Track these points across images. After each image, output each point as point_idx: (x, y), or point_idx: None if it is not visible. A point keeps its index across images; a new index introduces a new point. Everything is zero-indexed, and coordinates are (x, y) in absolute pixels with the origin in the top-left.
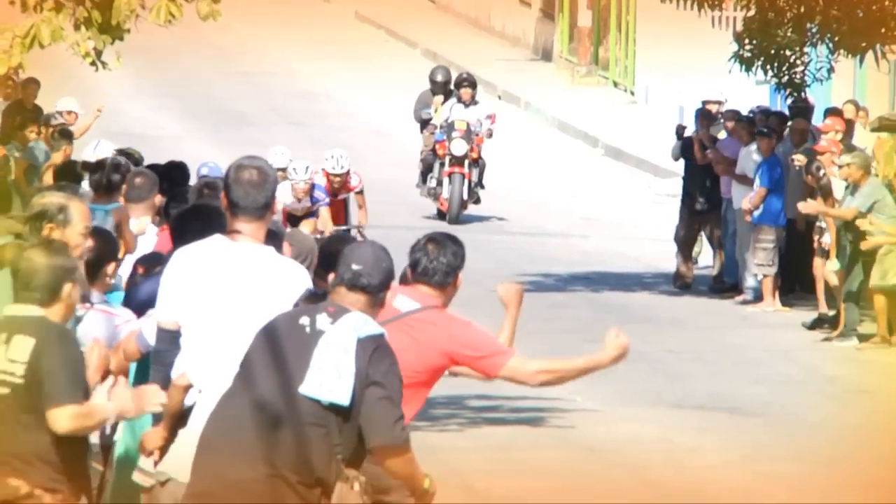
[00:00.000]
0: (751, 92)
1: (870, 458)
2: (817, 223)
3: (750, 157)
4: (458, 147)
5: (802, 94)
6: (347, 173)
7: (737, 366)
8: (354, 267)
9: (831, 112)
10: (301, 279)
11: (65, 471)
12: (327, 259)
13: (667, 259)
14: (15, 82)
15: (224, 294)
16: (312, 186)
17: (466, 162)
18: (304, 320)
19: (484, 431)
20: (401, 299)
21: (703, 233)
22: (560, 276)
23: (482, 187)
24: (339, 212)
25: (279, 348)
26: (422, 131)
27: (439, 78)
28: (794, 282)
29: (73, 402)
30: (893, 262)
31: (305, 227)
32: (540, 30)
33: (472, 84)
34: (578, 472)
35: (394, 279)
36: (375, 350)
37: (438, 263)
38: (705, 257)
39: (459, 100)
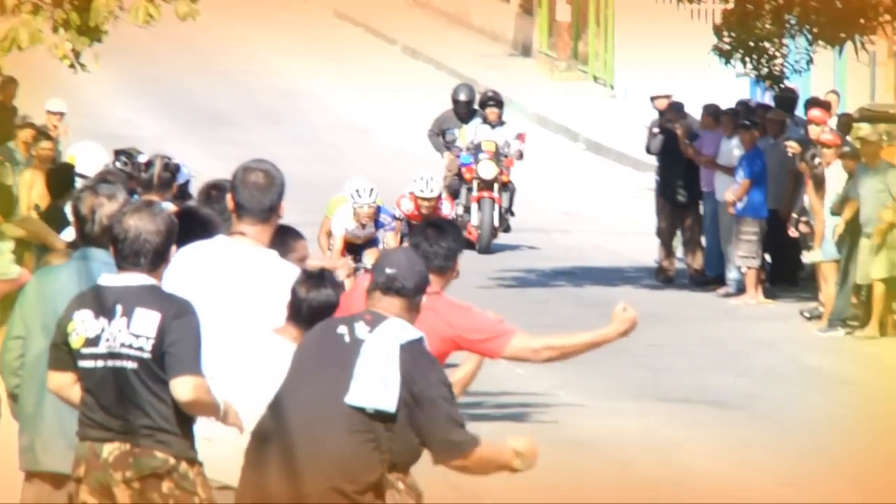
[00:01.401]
0: (731, 85)
1: (854, 449)
2: (793, 213)
3: (732, 149)
4: (487, 170)
5: (782, 85)
6: (439, 198)
7: (720, 358)
8: (388, 271)
9: (817, 104)
10: None
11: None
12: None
13: (649, 253)
14: None
15: (220, 294)
16: (378, 210)
17: (496, 186)
18: (342, 329)
19: (468, 427)
20: None
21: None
22: (542, 272)
23: (512, 214)
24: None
25: (319, 359)
26: (442, 154)
27: (462, 97)
28: (778, 273)
29: (196, 372)
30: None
31: (368, 257)
32: (519, 25)
33: (499, 103)
34: (563, 467)
35: (428, 284)
36: (418, 355)
37: (439, 248)
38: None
39: (485, 120)
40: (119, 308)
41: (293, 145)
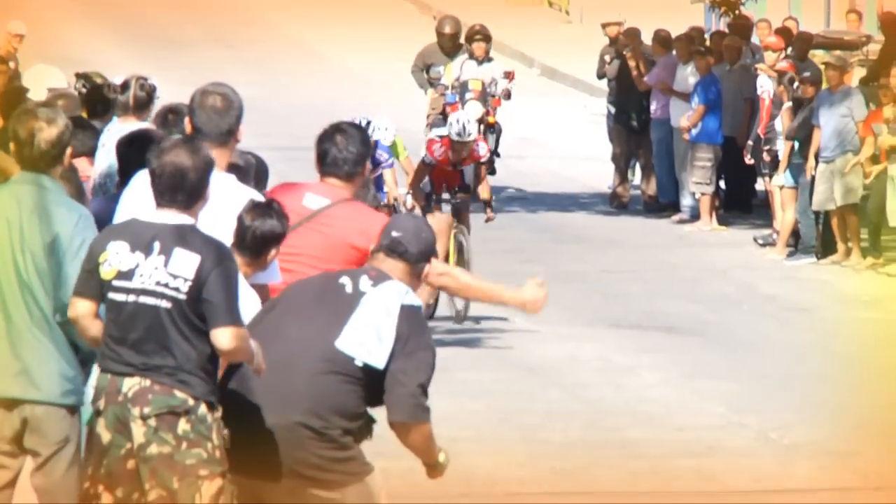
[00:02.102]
0: (686, 11)
1: (806, 375)
2: (752, 140)
3: (687, 76)
4: (474, 110)
5: (737, 11)
6: (475, 141)
7: (674, 285)
8: (394, 234)
9: (777, 31)
10: None
11: (216, 389)
12: None
13: (603, 179)
14: None
15: None
16: (375, 145)
17: (482, 127)
18: (345, 280)
19: None
20: (310, 197)
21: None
22: (496, 197)
23: (498, 155)
24: (454, 177)
25: (315, 302)
26: (425, 91)
27: (447, 29)
28: (732, 200)
29: (238, 322)
30: (858, 179)
31: None
32: None
33: (487, 37)
34: (517, 393)
35: (434, 255)
36: (416, 320)
37: (348, 153)
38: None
39: (471, 56)
40: (157, 245)
41: (249, 70)
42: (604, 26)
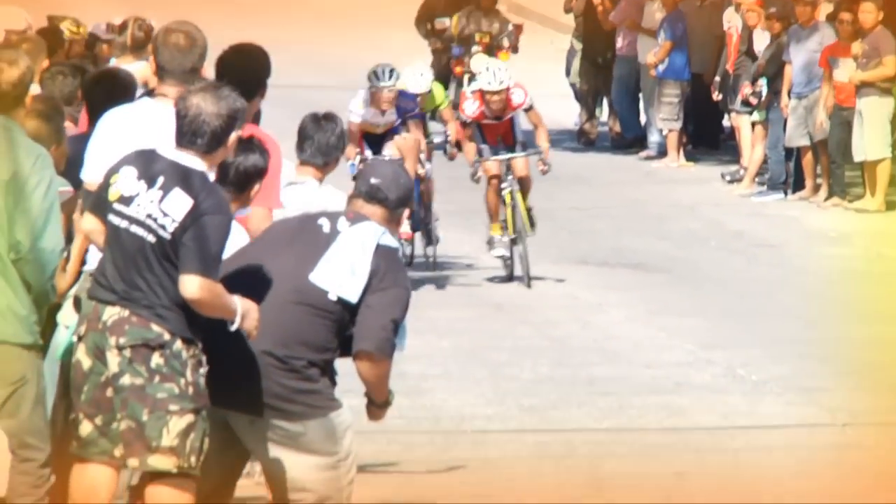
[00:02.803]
0: None
1: (774, 311)
2: (719, 75)
3: (653, 12)
4: (480, 63)
5: None
6: (508, 89)
7: (641, 222)
8: (373, 180)
9: None
10: None
11: (196, 326)
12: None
13: (570, 116)
14: None
15: None
16: (399, 94)
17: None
18: (323, 220)
19: None
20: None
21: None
22: None
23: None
24: (507, 134)
25: (292, 239)
26: (429, 43)
27: None
28: (699, 137)
29: (208, 274)
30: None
31: (389, 148)
32: None
33: None
34: (485, 330)
35: (412, 200)
36: (392, 260)
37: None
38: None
39: (478, 6)
40: (161, 180)
41: (213, 7)
42: None
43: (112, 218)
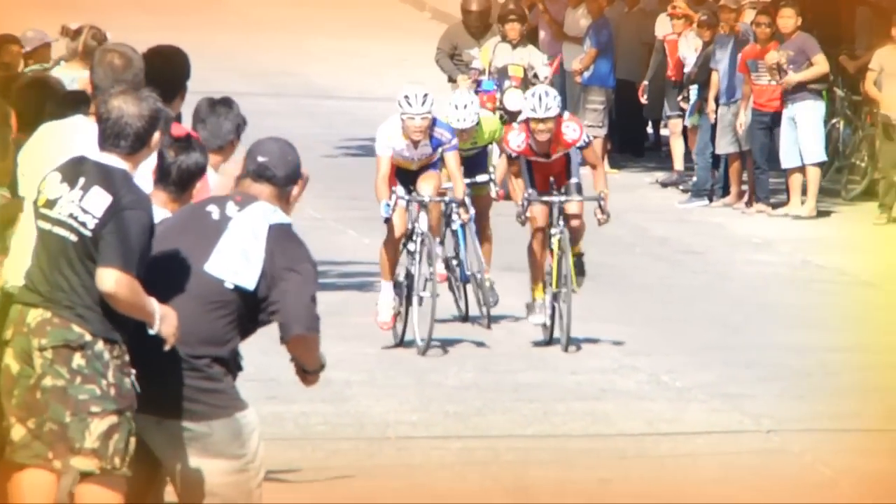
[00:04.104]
0: None
1: (698, 318)
2: (647, 80)
3: (577, 20)
4: (514, 100)
5: None
6: (559, 118)
7: None
8: (260, 159)
9: None
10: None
11: (120, 327)
12: None
13: None
14: None
15: None
16: (433, 122)
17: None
18: (211, 208)
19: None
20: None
21: None
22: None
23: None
24: (560, 174)
25: (184, 231)
26: (454, 79)
27: (474, 7)
28: (624, 143)
29: (126, 268)
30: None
31: (427, 183)
32: None
33: (522, 17)
34: (410, 336)
35: (300, 175)
36: (287, 237)
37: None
38: None
39: (504, 38)
40: (81, 180)
41: (140, 14)
42: None
43: (39, 222)
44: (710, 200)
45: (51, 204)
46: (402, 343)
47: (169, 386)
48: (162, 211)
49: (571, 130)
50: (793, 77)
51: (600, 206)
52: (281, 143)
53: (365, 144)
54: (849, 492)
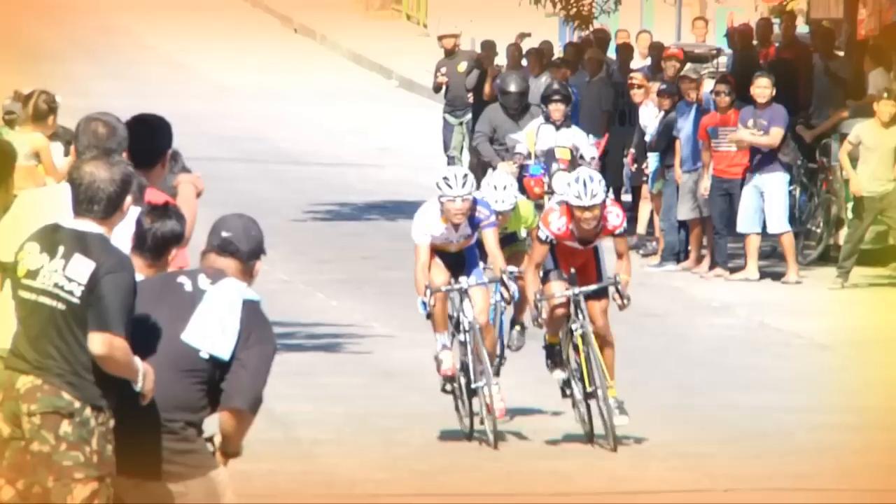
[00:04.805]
0: (541, 25)
1: (658, 378)
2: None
3: (540, 88)
4: (563, 183)
5: (591, 26)
6: (604, 205)
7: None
8: (224, 234)
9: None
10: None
11: (107, 393)
12: None
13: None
14: None
15: None
16: (473, 203)
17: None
18: (183, 279)
19: (282, 357)
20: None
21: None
22: (356, 205)
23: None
24: (586, 266)
25: (157, 302)
26: (493, 165)
27: (513, 87)
28: None
29: (116, 331)
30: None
31: (477, 298)
32: None
33: (567, 98)
34: (376, 396)
35: (263, 251)
36: (257, 314)
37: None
38: None
39: (548, 119)
40: (61, 249)
41: (113, 80)
42: (440, 38)
43: (21, 293)
44: (678, 263)
45: (33, 274)
46: (471, 437)
47: (146, 448)
48: (139, 276)
49: (614, 216)
50: (743, 133)
51: (618, 291)
52: (244, 219)
53: (332, 209)
54: None
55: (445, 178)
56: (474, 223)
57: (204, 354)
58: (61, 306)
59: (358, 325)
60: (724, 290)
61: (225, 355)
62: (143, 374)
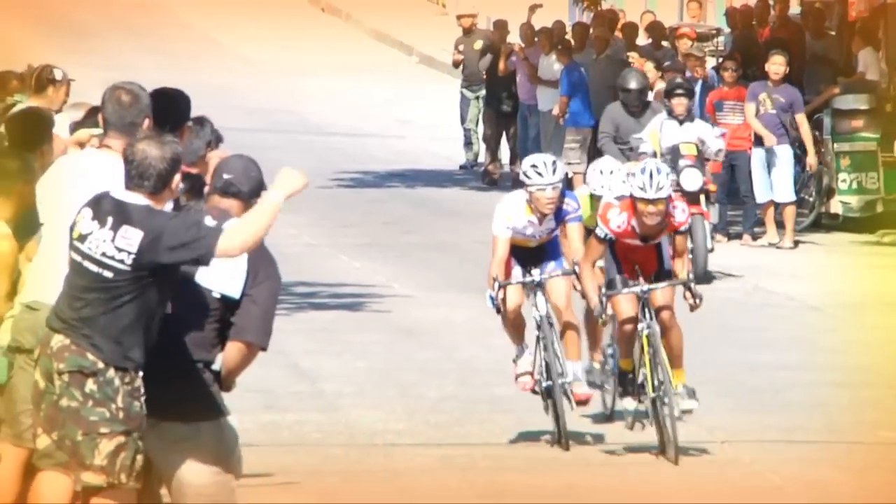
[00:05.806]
0: (550, 4)
1: None
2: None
3: (551, 65)
4: (693, 180)
5: (600, 6)
6: (670, 199)
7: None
8: (226, 176)
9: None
10: None
11: (134, 357)
12: None
13: (460, 157)
14: None
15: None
16: (562, 194)
17: (702, 198)
18: None
19: (308, 315)
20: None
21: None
22: (378, 174)
23: (715, 231)
24: (648, 262)
25: None
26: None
27: (633, 84)
28: None
29: (218, 235)
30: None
31: (556, 290)
32: None
33: (689, 92)
34: (396, 352)
35: (264, 189)
36: (263, 252)
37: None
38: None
39: (671, 114)
40: (111, 219)
41: (149, 55)
42: (458, 18)
43: (72, 254)
44: None
45: (83, 238)
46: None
47: (168, 389)
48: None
49: (680, 212)
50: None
51: (690, 290)
52: (244, 160)
53: (356, 177)
54: (795, 498)
55: (534, 166)
56: (560, 216)
57: (216, 294)
58: (108, 274)
59: (379, 286)
60: (721, 254)
61: (235, 294)
62: (286, 189)
